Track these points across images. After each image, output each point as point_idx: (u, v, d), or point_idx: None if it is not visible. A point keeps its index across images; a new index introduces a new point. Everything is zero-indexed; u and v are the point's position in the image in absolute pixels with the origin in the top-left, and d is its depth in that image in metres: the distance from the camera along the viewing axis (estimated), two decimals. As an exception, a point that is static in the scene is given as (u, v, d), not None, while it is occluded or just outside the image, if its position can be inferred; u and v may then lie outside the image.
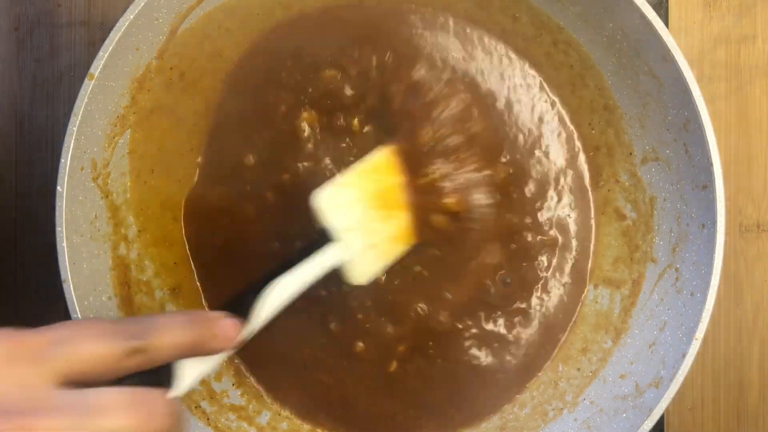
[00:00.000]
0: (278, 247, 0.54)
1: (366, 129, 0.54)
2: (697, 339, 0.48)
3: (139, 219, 0.54)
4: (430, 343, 0.55)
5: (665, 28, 0.48)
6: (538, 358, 0.56)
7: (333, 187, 0.50)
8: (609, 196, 0.56)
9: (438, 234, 0.53)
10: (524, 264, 0.55)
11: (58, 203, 0.47)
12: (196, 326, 0.39)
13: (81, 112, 0.47)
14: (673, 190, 0.53)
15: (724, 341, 0.59)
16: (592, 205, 0.57)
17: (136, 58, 0.50)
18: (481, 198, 0.54)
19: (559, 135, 0.56)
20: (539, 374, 0.56)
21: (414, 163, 0.52)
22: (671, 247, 0.53)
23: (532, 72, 0.56)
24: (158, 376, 0.38)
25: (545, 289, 0.56)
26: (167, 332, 0.38)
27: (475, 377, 0.55)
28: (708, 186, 0.49)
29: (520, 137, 0.56)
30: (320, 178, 0.53)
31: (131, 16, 0.47)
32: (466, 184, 0.53)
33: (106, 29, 0.58)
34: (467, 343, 0.55)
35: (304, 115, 0.54)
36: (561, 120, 0.56)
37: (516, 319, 0.55)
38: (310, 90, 0.54)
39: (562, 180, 0.56)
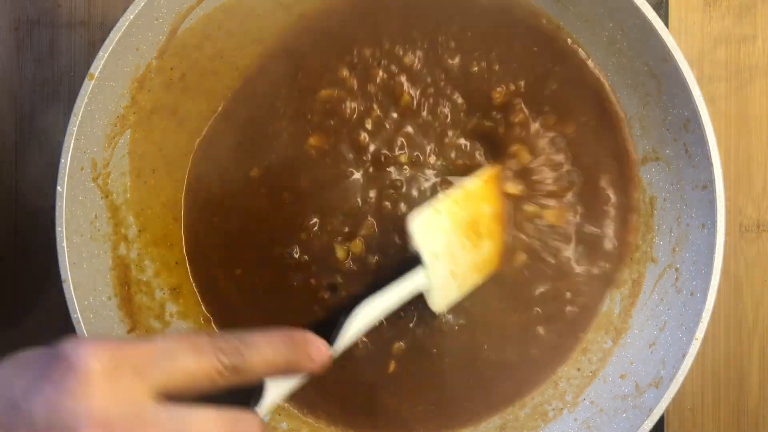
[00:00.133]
0: (278, 251, 0.55)
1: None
2: (697, 339, 0.48)
3: (139, 219, 0.54)
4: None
5: (665, 28, 0.48)
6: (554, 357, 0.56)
7: (430, 212, 0.49)
8: (609, 196, 0.56)
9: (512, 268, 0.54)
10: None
11: (58, 203, 0.47)
12: (291, 347, 0.39)
13: (81, 112, 0.47)
14: (673, 190, 0.53)
15: (724, 341, 0.59)
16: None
17: (136, 58, 0.50)
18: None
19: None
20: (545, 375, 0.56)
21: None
22: (671, 247, 0.53)
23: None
24: (245, 392, 0.38)
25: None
26: (264, 351, 0.38)
27: (482, 374, 0.55)
28: (708, 186, 0.49)
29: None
30: (335, 179, 0.53)
31: (131, 16, 0.47)
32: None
33: (106, 29, 0.58)
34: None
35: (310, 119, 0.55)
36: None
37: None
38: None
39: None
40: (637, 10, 0.48)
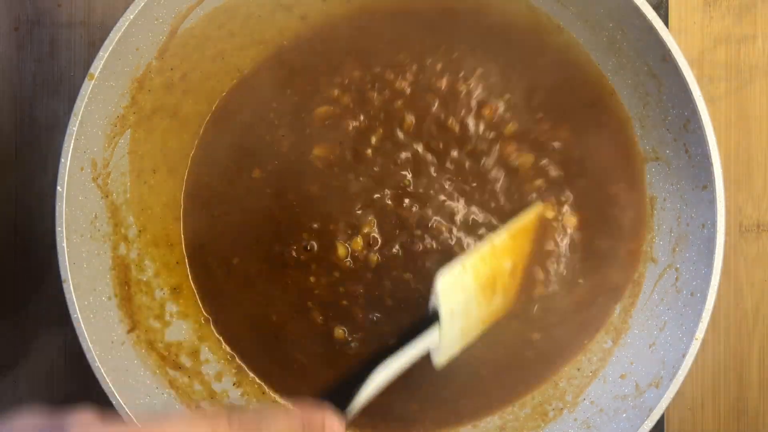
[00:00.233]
0: (278, 249, 0.55)
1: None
2: (697, 339, 0.48)
3: (139, 219, 0.54)
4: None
5: (665, 28, 0.48)
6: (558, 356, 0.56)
7: (458, 270, 0.48)
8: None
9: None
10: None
11: (58, 203, 0.47)
12: (307, 429, 0.38)
13: (81, 112, 0.47)
14: (673, 190, 0.53)
15: (724, 341, 0.59)
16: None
17: (136, 58, 0.50)
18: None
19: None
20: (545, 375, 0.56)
21: None
22: (671, 247, 0.53)
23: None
24: None
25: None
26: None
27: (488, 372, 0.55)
28: (708, 186, 0.49)
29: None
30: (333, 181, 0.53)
31: (131, 16, 0.47)
32: None
33: (106, 29, 0.58)
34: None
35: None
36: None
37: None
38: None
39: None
40: (637, 10, 0.48)
